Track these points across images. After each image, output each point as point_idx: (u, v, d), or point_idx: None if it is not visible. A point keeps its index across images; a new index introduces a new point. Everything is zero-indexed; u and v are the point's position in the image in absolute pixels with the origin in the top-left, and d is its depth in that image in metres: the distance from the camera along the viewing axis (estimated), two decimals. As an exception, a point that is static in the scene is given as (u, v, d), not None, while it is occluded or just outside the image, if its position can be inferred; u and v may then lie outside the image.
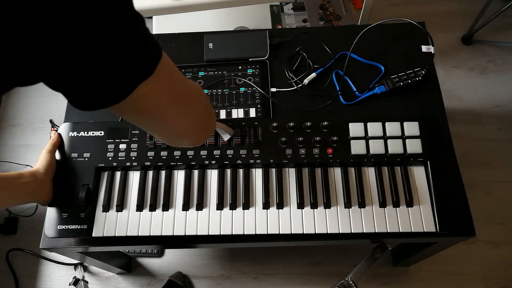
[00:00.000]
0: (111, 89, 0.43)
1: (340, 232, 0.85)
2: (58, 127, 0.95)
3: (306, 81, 1.01)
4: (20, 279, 1.43)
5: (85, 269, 1.42)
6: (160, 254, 1.44)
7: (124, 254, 1.38)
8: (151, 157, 0.90)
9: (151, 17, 1.59)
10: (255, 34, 1.09)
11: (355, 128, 0.92)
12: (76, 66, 0.38)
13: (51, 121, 1.71)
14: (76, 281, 1.32)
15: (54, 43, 0.35)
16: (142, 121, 0.53)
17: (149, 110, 0.49)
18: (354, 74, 1.03)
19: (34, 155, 1.63)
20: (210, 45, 1.07)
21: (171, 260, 1.43)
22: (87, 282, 1.34)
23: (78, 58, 0.38)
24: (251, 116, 0.98)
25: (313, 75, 1.01)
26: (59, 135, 0.93)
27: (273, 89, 1.02)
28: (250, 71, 1.04)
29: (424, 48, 1.03)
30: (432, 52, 1.01)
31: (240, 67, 1.04)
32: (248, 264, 1.42)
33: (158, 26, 1.54)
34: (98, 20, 0.37)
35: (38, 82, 0.41)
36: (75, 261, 1.36)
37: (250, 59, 1.05)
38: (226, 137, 0.90)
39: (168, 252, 1.45)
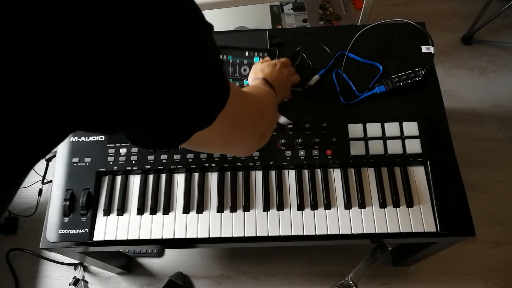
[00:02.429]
0: (165, 139, 0.41)
1: (341, 233, 0.85)
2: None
3: (311, 82, 1.01)
4: (20, 279, 1.43)
5: (85, 269, 1.42)
6: (160, 254, 1.44)
7: (124, 254, 1.38)
8: (152, 161, 0.90)
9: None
10: (255, 34, 1.09)
11: (354, 129, 0.92)
12: (135, 115, 0.34)
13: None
14: (76, 281, 1.32)
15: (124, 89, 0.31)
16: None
17: (203, 147, 0.49)
18: (354, 74, 1.02)
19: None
20: (210, 45, 1.06)
21: (171, 260, 1.43)
22: (87, 282, 1.34)
23: (140, 107, 0.34)
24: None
25: (316, 77, 1.01)
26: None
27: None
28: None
29: (424, 49, 1.02)
30: (432, 53, 1.01)
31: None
32: (248, 264, 1.42)
33: (158, 26, 1.53)
34: (165, 61, 0.32)
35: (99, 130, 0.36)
36: (75, 261, 1.36)
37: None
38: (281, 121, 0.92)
39: (168, 252, 1.45)
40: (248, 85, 0.81)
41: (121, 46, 0.29)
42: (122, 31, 0.29)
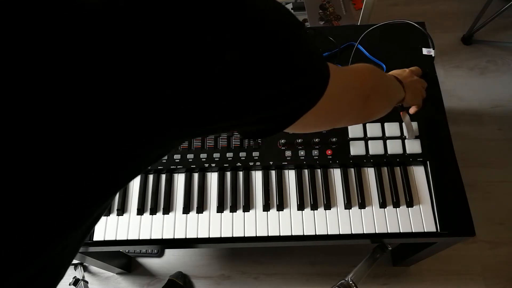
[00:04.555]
0: (272, 126, 0.42)
1: (341, 233, 0.85)
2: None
3: None
4: (21, 279, 1.43)
5: (85, 269, 1.42)
6: (160, 254, 1.44)
7: (124, 254, 1.38)
8: (151, 160, 0.90)
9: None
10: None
11: (354, 129, 0.92)
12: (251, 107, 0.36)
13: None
14: (76, 281, 1.32)
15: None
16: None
17: (309, 128, 0.50)
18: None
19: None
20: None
21: (171, 260, 1.43)
22: (87, 282, 1.34)
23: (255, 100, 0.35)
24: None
25: None
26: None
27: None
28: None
29: (424, 51, 1.02)
30: (433, 56, 1.00)
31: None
32: (248, 264, 1.42)
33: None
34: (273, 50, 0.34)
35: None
36: (75, 261, 1.36)
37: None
38: (408, 135, 0.90)
39: (168, 252, 1.45)
40: None
41: (246, 52, 0.31)
42: (247, 39, 0.31)
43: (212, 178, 0.91)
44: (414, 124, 0.92)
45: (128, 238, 0.85)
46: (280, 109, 0.39)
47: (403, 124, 0.89)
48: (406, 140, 0.91)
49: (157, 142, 0.31)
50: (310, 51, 0.40)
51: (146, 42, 0.26)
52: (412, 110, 0.89)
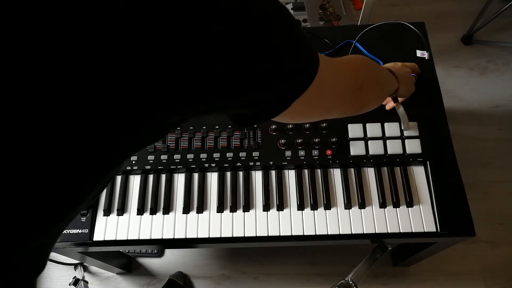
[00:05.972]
0: (263, 111, 0.42)
1: (341, 233, 0.85)
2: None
3: None
4: (21, 279, 1.43)
5: (85, 269, 1.42)
6: (160, 254, 1.44)
7: (124, 254, 1.38)
8: (151, 161, 0.90)
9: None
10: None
11: (354, 129, 0.92)
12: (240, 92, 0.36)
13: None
14: (76, 281, 1.32)
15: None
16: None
17: (295, 117, 0.50)
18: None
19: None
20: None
21: (171, 260, 1.43)
22: (87, 282, 1.34)
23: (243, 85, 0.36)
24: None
25: None
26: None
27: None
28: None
29: (418, 53, 1.01)
30: (426, 58, 0.99)
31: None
32: (248, 264, 1.42)
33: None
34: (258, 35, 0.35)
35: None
36: (75, 261, 1.36)
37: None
38: (403, 125, 0.91)
39: (168, 252, 1.45)
40: None
41: (232, 32, 0.32)
42: (234, 20, 0.32)
43: (212, 178, 0.91)
44: (414, 124, 0.92)
45: (128, 238, 0.85)
46: (270, 91, 0.39)
47: (399, 115, 0.89)
48: (406, 140, 0.91)
49: (147, 123, 0.32)
50: (297, 34, 0.41)
51: (140, 22, 0.27)
52: (399, 100, 0.90)
